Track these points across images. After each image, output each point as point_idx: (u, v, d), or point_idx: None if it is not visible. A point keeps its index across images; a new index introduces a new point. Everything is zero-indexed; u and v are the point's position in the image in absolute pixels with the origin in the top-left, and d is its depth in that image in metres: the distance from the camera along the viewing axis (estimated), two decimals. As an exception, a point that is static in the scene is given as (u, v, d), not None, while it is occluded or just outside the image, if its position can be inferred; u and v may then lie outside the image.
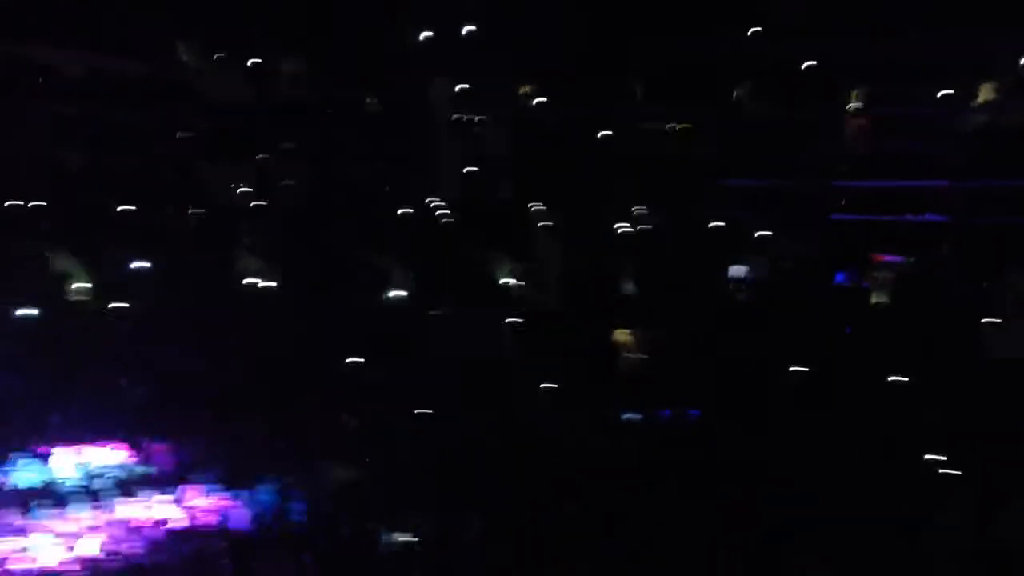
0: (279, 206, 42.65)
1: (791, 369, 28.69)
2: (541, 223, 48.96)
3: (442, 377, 30.55)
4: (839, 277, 35.30)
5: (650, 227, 44.90)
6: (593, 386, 31.47)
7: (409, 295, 38.77)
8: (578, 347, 34.67)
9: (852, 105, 41.38)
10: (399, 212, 46.49)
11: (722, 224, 40.74)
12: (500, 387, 30.94)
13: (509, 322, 39.21)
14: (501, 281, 44.46)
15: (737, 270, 41.19)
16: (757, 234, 40.16)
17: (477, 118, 48.70)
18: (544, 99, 48.49)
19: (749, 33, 38.48)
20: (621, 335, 39.74)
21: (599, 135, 46.09)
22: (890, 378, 27.90)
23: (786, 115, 39.03)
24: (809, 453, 23.46)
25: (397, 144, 47.64)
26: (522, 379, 32.09)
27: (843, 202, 37.51)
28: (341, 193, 43.22)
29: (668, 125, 46.68)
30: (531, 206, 49.75)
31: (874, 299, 33.83)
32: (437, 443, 25.58)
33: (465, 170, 49.12)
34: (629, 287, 42.20)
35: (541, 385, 32.74)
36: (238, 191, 43.99)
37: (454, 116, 49.45)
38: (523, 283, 44.03)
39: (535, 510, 21.20)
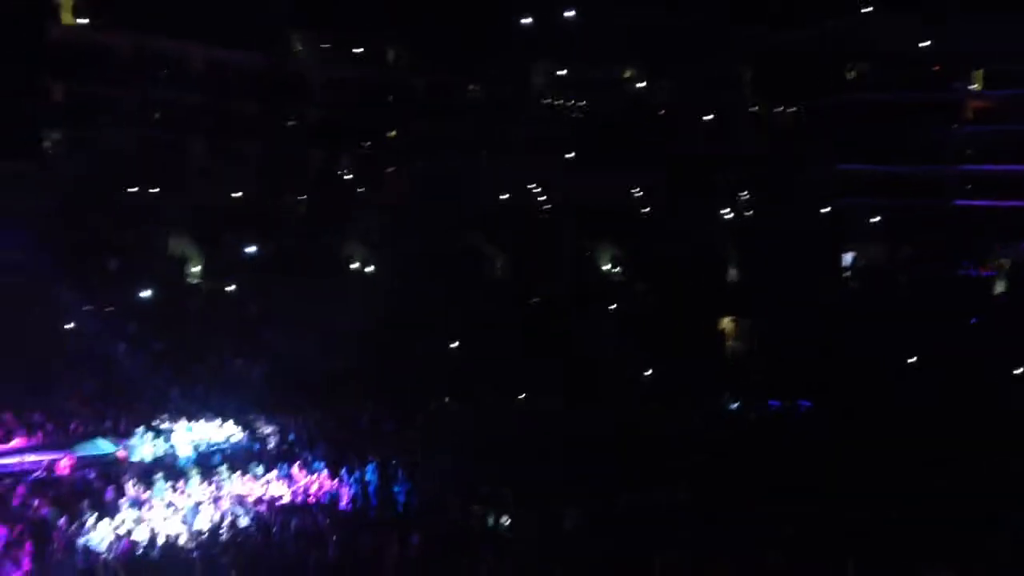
0: (384, 193, 43.41)
1: (910, 360, 27.68)
2: (643, 210, 48.51)
3: (544, 363, 30.58)
4: (963, 265, 33.78)
5: (758, 213, 43.98)
6: (697, 376, 31.04)
7: (511, 282, 38.98)
8: (682, 336, 34.24)
9: (974, 87, 39.47)
10: (500, 198, 46.74)
11: (835, 210, 39.62)
12: (602, 375, 30.77)
13: (611, 310, 39.02)
14: (603, 268, 44.27)
15: (851, 258, 39.88)
16: (872, 220, 38.88)
17: (578, 103, 48.38)
18: (646, 83, 47.85)
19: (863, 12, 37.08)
20: (726, 323, 39.09)
21: (704, 119, 45.26)
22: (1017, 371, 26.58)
23: (904, 98, 37.59)
24: (931, 449, 22.53)
25: (499, 131, 47.74)
26: (624, 368, 31.86)
27: (968, 187, 35.88)
28: (444, 180, 43.64)
29: (776, 109, 45.62)
30: (632, 192, 49.36)
31: (999, 288, 32.27)
32: (539, 429, 25.57)
33: (565, 156, 48.96)
34: (735, 274, 41.45)
35: (644, 373, 32.49)
36: (345, 178, 44.98)
37: (555, 102, 49.29)
38: (625, 271, 43.76)
39: (639, 499, 20.96)
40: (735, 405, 30.30)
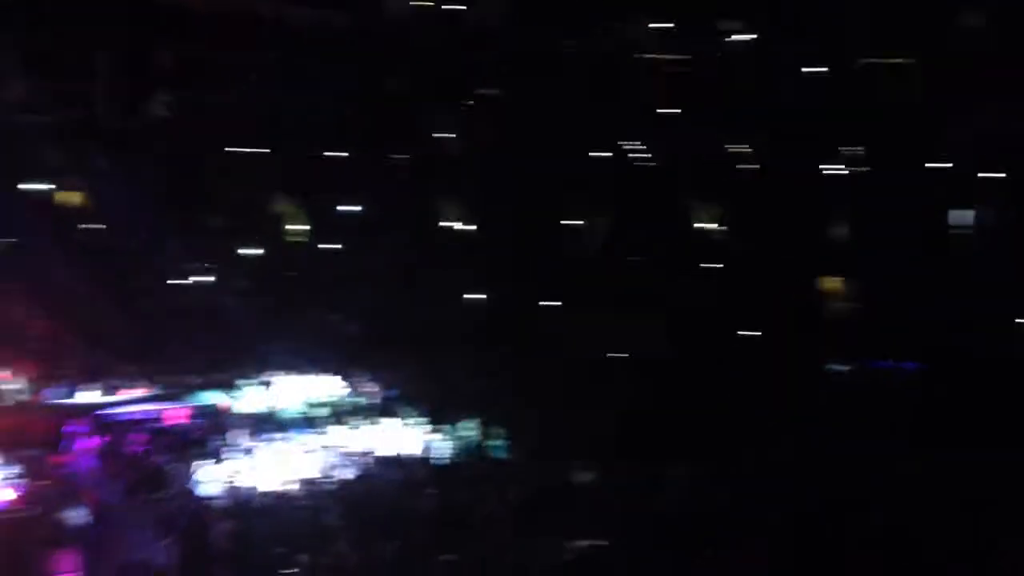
0: (481, 151, 43.43)
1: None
2: (741, 165, 47.24)
3: (641, 322, 30.39)
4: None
5: (865, 169, 42.50)
6: (799, 335, 30.41)
7: (606, 240, 38.68)
8: (783, 295, 33.50)
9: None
10: (596, 155, 46.22)
11: (943, 167, 37.94)
12: (702, 334, 30.39)
13: (709, 268, 38.37)
14: (700, 225, 43.53)
15: (960, 216, 38.20)
16: (982, 176, 37.12)
17: (677, 59, 47.28)
18: (750, 37, 46.44)
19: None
20: (830, 282, 37.99)
21: (808, 71, 43.72)
22: None
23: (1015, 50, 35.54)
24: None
25: (596, 87, 47.14)
26: (723, 326, 31.39)
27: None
28: (538, 138, 43.37)
29: (883, 61, 43.71)
30: (731, 148, 48.07)
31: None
32: (636, 383, 25.52)
33: (663, 112, 47.98)
34: (840, 232, 40.19)
35: (741, 332, 31.96)
36: (442, 136, 45.12)
37: (653, 57, 48.27)
38: (724, 228, 42.88)
39: (737, 460, 20.76)
40: (841, 367, 29.64)
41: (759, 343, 30.98)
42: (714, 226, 43.03)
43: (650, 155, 47.50)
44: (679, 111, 48.11)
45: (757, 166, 46.30)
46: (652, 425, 22.69)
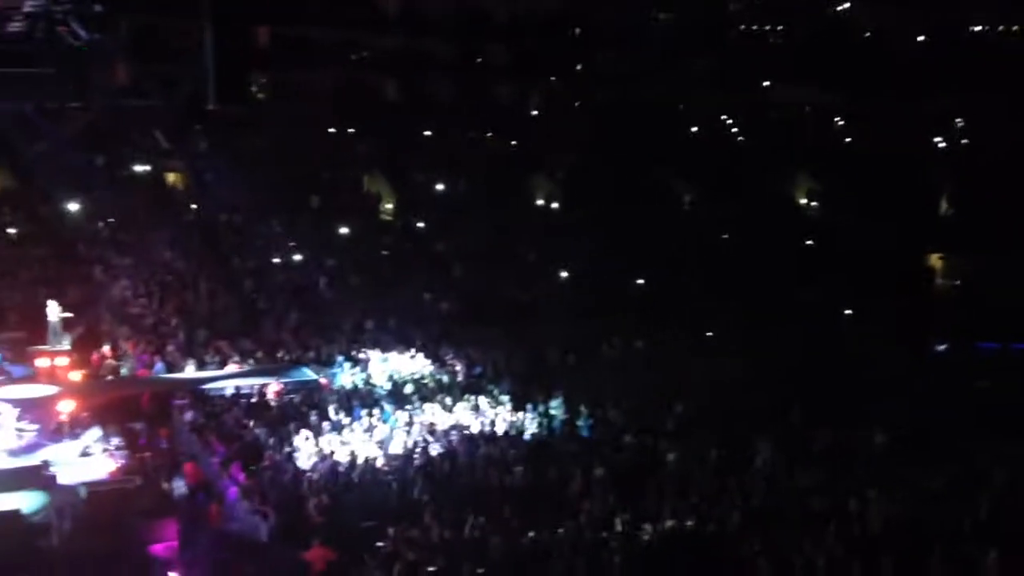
0: (571, 127, 43.18)
1: None
2: (845, 140, 45.80)
3: (735, 299, 29.84)
4: None
5: (971, 142, 40.71)
6: (901, 314, 29.41)
7: (701, 217, 38.06)
8: (884, 272, 32.41)
9: None
10: (690, 130, 45.47)
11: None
12: (796, 310, 29.65)
13: (808, 245, 37.41)
14: (796, 200, 42.47)
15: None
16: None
17: (775, 27, 46.00)
18: (849, 3, 44.83)
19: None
20: (934, 259, 36.62)
21: (916, 40, 41.93)
22: None
23: None
24: None
25: (690, 59, 46.24)
26: (820, 304, 30.54)
27: None
28: (633, 113, 42.86)
29: (996, 28, 41.59)
30: (832, 121, 46.61)
31: None
32: (728, 364, 25.10)
33: (761, 84, 46.81)
34: (945, 207, 38.66)
35: (844, 312, 31.06)
36: (533, 113, 45.02)
37: (748, 27, 47.09)
38: (820, 202, 41.75)
39: (834, 438, 20.26)
40: (942, 347, 28.58)
41: (860, 321, 30.08)
42: (809, 202, 42.09)
43: (739, 130, 46.63)
44: (772, 83, 47.06)
45: (854, 139, 45.02)
46: (742, 403, 22.31)
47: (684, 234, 35.03)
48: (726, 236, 34.90)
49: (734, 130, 46.38)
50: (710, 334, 28.48)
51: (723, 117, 46.64)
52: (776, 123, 44.47)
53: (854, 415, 21.62)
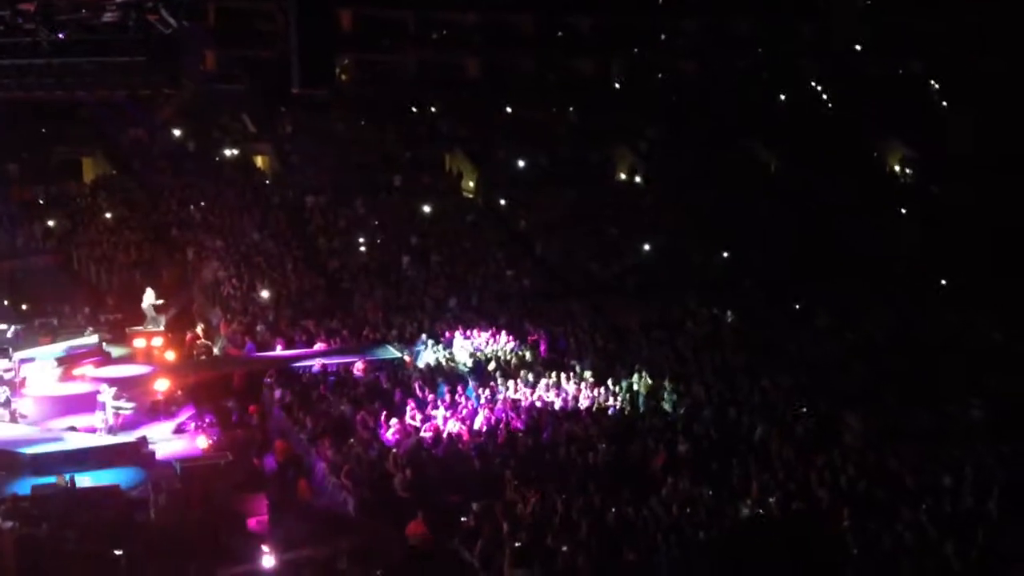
0: (654, 99, 42.50)
1: None
2: (937, 100, 43.91)
3: (825, 271, 29.09)
4: None
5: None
6: (999, 285, 28.27)
7: (790, 187, 37.08)
8: (981, 241, 31.08)
9: None
10: (778, 98, 44.28)
11: None
12: (891, 282, 28.73)
13: (902, 213, 36.12)
14: (892, 168, 41.02)
15: None
16: None
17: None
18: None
19: None
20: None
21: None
22: None
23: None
24: None
25: (777, 28, 44.97)
26: (916, 276, 29.50)
27: None
28: (716, 83, 41.95)
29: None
30: (926, 84, 44.73)
31: None
32: (819, 336, 24.54)
33: (851, 48, 45.19)
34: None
35: (939, 282, 29.94)
36: (614, 86, 44.44)
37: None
38: (914, 170, 40.23)
39: (929, 415, 19.66)
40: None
41: (957, 293, 28.98)
42: (902, 169, 40.63)
43: (828, 96, 45.19)
44: (861, 47, 45.45)
45: (949, 103, 43.17)
46: (833, 378, 21.79)
47: (771, 205, 34.22)
48: (815, 207, 33.90)
49: (824, 97, 45.06)
50: (798, 307, 27.81)
51: (813, 83, 45.37)
52: (868, 89, 43.02)
53: (950, 390, 20.94)
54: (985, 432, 18.59)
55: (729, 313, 26.85)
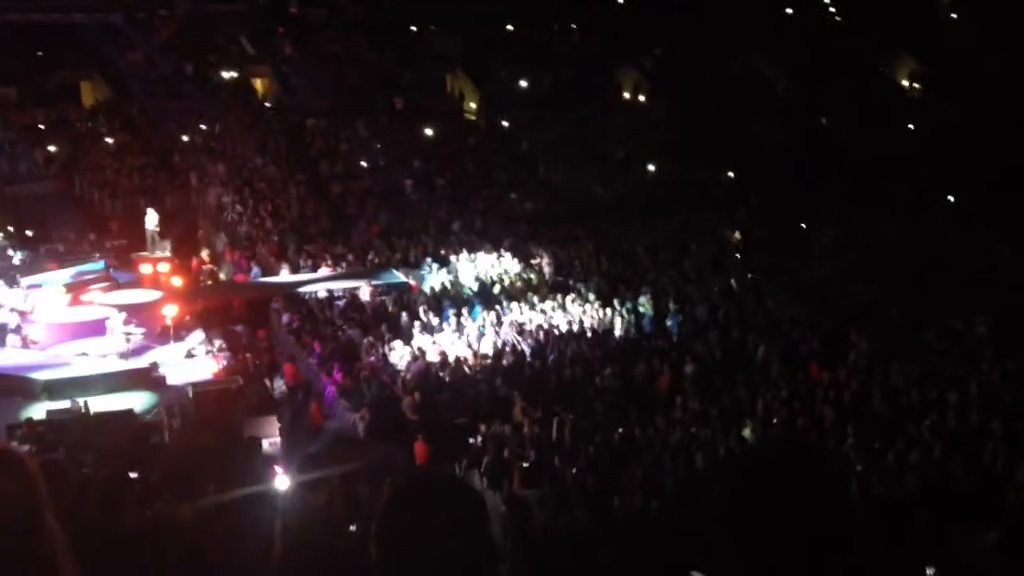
0: (658, 15, 41.66)
1: None
2: (950, 15, 42.84)
3: (831, 187, 28.90)
4: None
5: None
6: (1005, 202, 28.10)
7: (795, 104, 36.61)
8: (992, 159, 30.78)
9: None
10: (784, 11, 43.25)
11: None
12: (896, 199, 28.56)
13: (910, 129, 35.67)
14: (900, 82, 40.45)
15: None
16: None
17: None
18: None
19: None
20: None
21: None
22: None
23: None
24: None
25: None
26: (921, 192, 29.29)
27: None
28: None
29: None
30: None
31: None
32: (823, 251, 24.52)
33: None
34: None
35: (947, 197, 29.74)
36: (617, 3, 43.48)
37: None
38: (923, 86, 39.61)
39: (936, 328, 19.66)
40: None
41: (961, 210, 28.85)
42: (911, 83, 40.03)
43: (835, 9, 44.24)
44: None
45: (959, 15, 42.16)
46: (837, 297, 21.85)
47: (777, 123, 33.84)
48: (822, 122, 33.53)
49: (831, 10, 44.17)
50: (803, 226, 27.74)
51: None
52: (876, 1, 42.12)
53: (955, 306, 20.99)
54: (990, 348, 18.68)
55: (736, 234, 26.82)
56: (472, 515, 2.37)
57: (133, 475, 14.14)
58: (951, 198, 29.46)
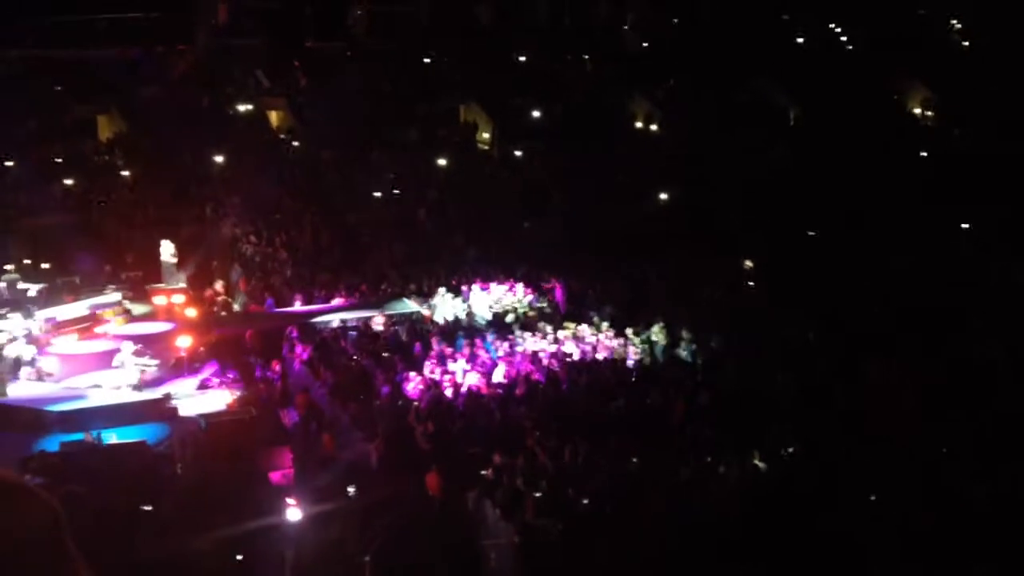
0: (670, 45, 41.91)
1: None
2: (961, 43, 42.97)
3: (843, 214, 28.82)
4: None
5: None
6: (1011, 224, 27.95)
7: (807, 130, 36.64)
8: (1005, 184, 30.64)
9: None
10: (796, 41, 43.46)
11: None
12: (914, 226, 28.43)
13: (922, 157, 35.61)
14: (912, 110, 40.44)
15: None
16: None
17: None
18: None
19: None
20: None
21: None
22: None
23: None
24: None
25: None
26: (939, 218, 29.16)
27: None
28: (733, 27, 41.18)
29: None
30: (949, 25, 43.69)
31: None
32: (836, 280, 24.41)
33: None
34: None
35: (961, 226, 29.61)
36: (629, 33, 43.77)
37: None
38: (935, 114, 39.60)
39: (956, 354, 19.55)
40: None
41: (973, 235, 28.70)
42: (923, 111, 40.01)
43: (846, 37, 44.40)
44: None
45: (972, 44, 42.26)
46: (855, 324, 21.68)
47: (789, 151, 33.84)
48: (835, 152, 33.51)
49: (843, 39, 44.35)
50: (817, 255, 27.61)
51: (831, 25, 44.64)
52: (887, 28, 42.28)
53: (972, 332, 20.82)
54: (1008, 374, 18.48)
55: (747, 262, 26.72)
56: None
57: (147, 507, 14.13)
58: (965, 225, 29.32)
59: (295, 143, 34.97)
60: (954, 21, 43.97)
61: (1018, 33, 38.44)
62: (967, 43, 43.02)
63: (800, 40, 43.47)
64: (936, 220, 29.02)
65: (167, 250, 24.19)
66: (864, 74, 39.65)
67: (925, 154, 35.15)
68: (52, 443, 16.38)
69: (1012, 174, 29.94)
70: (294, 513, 13.99)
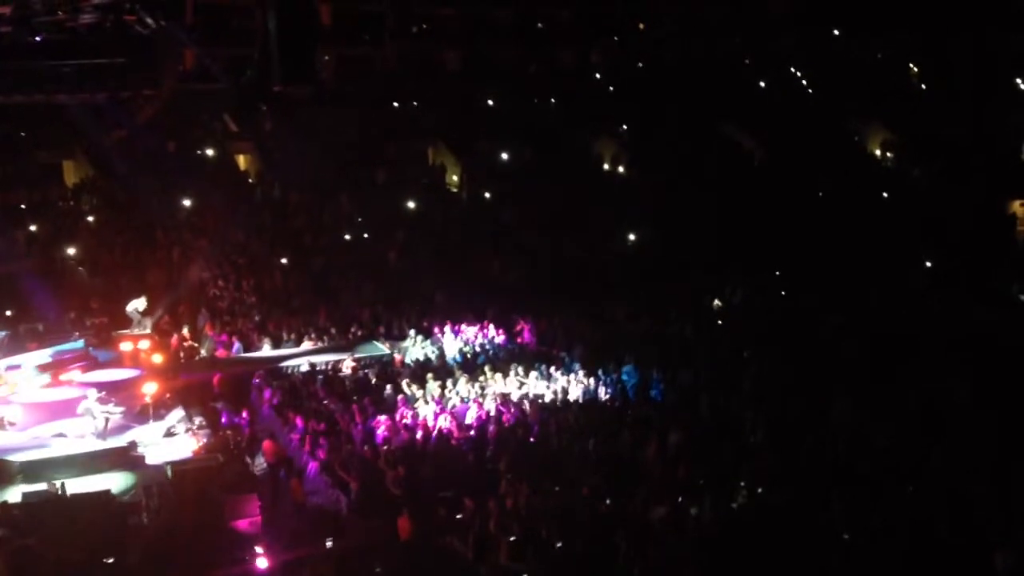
0: (635, 88, 42.48)
1: None
2: (920, 86, 43.73)
3: (809, 257, 29.19)
4: None
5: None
6: (983, 267, 28.45)
7: (771, 172, 37.20)
8: (964, 224, 31.17)
9: None
10: (758, 84, 44.25)
11: None
12: (872, 270, 28.85)
13: (883, 198, 36.26)
14: (872, 151, 41.17)
15: None
16: None
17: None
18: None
19: None
20: (1016, 206, 35.12)
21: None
22: None
23: None
24: None
25: (756, 8, 44.77)
26: (898, 263, 29.58)
27: None
28: (695, 70, 41.83)
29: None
30: (905, 66, 44.22)
31: None
32: (796, 324, 24.60)
33: (831, 30, 45.09)
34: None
35: (924, 264, 30.07)
36: (595, 76, 44.35)
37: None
38: (898, 154, 40.26)
39: (920, 393, 19.72)
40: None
41: (936, 274, 29.16)
42: (883, 153, 40.77)
43: (807, 81, 45.24)
44: (841, 29, 45.41)
45: (929, 86, 43.23)
46: (821, 361, 21.84)
47: (754, 192, 34.29)
48: (798, 193, 34.04)
49: (804, 82, 45.18)
50: (783, 294, 27.91)
51: (792, 68, 45.49)
52: (847, 71, 43.19)
53: (937, 370, 21.03)
54: (972, 410, 18.66)
55: (716, 301, 26.92)
56: None
57: (108, 560, 13.84)
58: (928, 264, 29.79)
59: (262, 185, 34.87)
60: (911, 64, 45.00)
61: (971, 76, 39.45)
62: (924, 86, 44.03)
63: (762, 84, 44.22)
64: (896, 257, 29.49)
65: (137, 301, 23.96)
66: (825, 116, 40.42)
67: (885, 194, 35.80)
68: (14, 493, 16.04)
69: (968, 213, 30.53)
70: (262, 562, 13.76)
